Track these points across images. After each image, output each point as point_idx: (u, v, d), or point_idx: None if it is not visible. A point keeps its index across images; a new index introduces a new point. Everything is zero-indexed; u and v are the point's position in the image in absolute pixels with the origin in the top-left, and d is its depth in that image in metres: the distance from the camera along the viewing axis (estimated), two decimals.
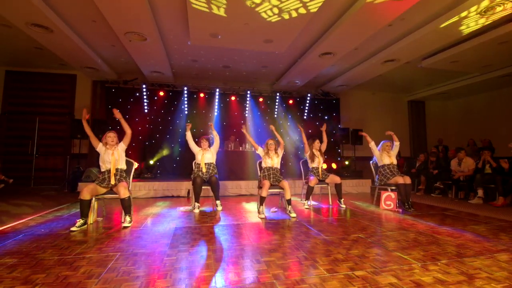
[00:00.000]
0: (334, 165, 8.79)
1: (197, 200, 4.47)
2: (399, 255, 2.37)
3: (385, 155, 4.89)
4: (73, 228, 3.16)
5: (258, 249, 2.56)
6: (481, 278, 1.93)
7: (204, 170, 4.58)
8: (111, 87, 7.86)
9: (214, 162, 4.77)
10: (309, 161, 5.01)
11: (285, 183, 4.21)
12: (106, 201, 4.61)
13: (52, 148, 7.50)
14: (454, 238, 2.90)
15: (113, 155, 3.58)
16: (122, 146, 3.74)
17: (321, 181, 4.88)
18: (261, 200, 4.12)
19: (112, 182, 3.50)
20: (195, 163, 4.75)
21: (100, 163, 3.63)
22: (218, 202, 4.57)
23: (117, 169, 3.60)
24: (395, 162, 4.86)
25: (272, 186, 4.28)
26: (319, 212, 4.43)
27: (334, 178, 4.87)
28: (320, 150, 5.02)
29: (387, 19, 4.53)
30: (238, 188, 6.41)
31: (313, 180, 4.75)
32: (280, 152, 4.55)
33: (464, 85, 8.28)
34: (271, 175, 4.34)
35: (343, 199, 4.91)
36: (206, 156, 4.68)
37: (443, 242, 2.75)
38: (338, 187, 4.87)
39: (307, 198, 4.82)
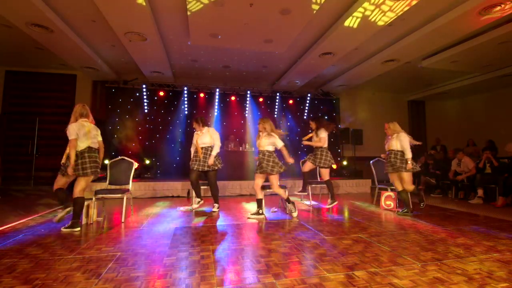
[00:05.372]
0: (334, 166, 8.77)
1: (198, 196, 4.29)
2: (399, 255, 2.37)
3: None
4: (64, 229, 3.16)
5: (258, 249, 2.56)
6: (481, 278, 1.92)
7: (201, 155, 4.16)
8: (111, 87, 7.86)
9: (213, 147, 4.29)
10: None
11: (271, 177, 3.90)
12: (106, 201, 4.61)
13: (52, 148, 7.48)
14: (454, 238, 2.89)
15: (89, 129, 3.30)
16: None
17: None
18: (258, 203, 4.00)
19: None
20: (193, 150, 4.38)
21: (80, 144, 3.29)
22: (216, 205, 4.40)
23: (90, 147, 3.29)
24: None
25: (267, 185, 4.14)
26: (319, 212, 4.43)
27: (323, 174, 4.61)
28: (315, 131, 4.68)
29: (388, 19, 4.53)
30: (238, 188, 6.41)
31: (304, 165, 4.71)
32: (276, 134, 3.97)
33: (464, 85, 8.27)
34: (261, 162, 3.93)
35: (330, 200, 4.60)
36: (202, 139, 4.23)
37: (443, 242, 2.75)
38: (328, 185, 4.62)
39: (303, 190, 4.75)
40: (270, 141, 3.95)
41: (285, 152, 3.94)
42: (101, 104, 7.82)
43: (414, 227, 3.37)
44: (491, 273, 2.01)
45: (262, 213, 3.99)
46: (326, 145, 4.59)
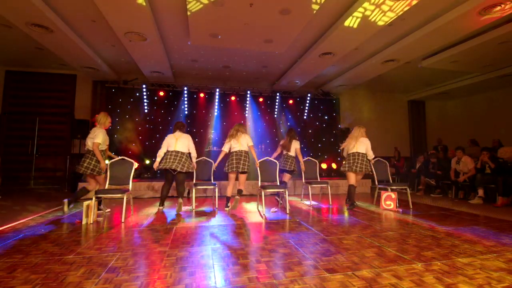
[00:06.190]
0: (334, 165, 8.79)
1: (161, 203, 4.51)
2: (399, 255, 2.37)
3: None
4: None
5: (258, 249, 2.56)
6: (481, 278, 1.92)
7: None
8: (111, 87, 7.85)
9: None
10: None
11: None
12: (106, 201, 4.61)
13: (52, 148, 7.48)
14: (454, 238, 2.90)
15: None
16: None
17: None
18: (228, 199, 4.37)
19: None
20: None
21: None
22: (180, 199, 4.27)
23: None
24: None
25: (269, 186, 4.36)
26: (319, 212, 4.43)
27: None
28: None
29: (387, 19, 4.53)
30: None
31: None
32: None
33: (464, 85, 8.26)
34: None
35: (288, 208, 4.42)
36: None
37: (443, 242, 2.75)
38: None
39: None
40: None
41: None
42: (101, 104, 7.80)
43: (414, 227, 3.37)
44: (491, 273, 2.01)
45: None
46: (284, 152, 5.25)
